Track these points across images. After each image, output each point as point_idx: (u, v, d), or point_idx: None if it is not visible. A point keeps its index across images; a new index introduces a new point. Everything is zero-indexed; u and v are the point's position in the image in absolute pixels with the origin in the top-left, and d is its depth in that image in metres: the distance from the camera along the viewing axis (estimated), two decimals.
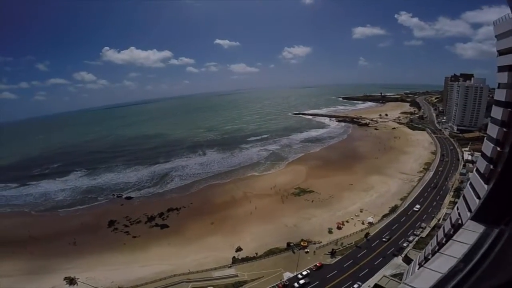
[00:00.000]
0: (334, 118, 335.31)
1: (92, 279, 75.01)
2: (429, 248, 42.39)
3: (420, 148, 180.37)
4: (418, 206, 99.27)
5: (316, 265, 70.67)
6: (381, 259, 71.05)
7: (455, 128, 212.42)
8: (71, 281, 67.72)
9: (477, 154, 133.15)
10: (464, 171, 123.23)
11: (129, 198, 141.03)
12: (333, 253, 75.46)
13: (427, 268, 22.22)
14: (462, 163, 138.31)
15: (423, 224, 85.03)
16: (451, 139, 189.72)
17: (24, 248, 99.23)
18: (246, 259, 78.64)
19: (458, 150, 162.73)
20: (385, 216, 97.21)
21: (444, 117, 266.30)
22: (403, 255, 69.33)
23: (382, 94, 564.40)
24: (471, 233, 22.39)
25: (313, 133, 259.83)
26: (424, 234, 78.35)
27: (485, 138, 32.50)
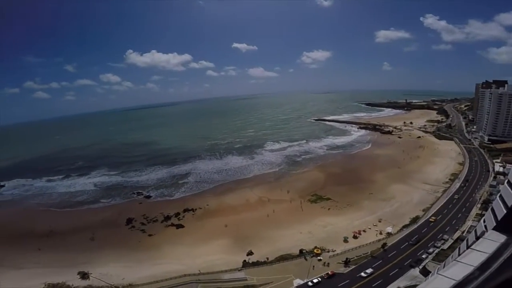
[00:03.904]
0: (355, 125, 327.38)
1: (105, 275, 76.57)
2: (449, 260, 39.66)
3: (446, 158, 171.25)
4: (369, 270, 68.25)
5: (328, 273, 68.05)
6: (397, 270, 67.37)
7: (486, 138, 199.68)
8: (84, 275, 69.37)
9: (509, 166, 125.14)
10: (494, 183, 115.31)
11: (148, 197, 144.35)
12: (347, 262, 72.61)
13: (441, 275, 20.86)
14: (493, 174, 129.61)
15: (446, 236, 79.92)
16: (481, 150, 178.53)
17: (44, 241, 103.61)
18: (257, 263, 77.38)
19: (489, 161, 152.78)
20: (405, 226, 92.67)
21: (474, 126, 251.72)
22: (420, 267, 65.41)
23: (407, 101, 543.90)
24: (491, 242, 20.63)
25: (333, 140, 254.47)
26: (445, 246, 73.54)
27: None
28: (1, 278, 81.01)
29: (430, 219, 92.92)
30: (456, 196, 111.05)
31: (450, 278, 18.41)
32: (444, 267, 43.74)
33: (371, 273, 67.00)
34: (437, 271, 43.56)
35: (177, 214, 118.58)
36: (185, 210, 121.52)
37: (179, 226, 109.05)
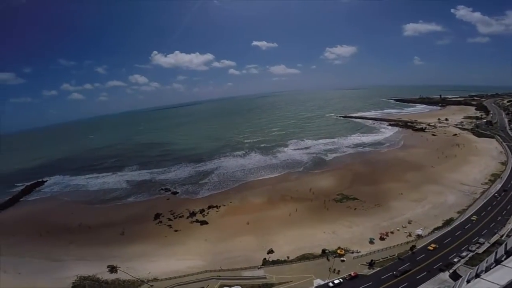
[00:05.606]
0: (385, 122, 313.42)
1: (132, 269, 79.64)
2: (483, 265, 36.56)
3: (487, 157, 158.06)
4: None
5: (350, 274, 65.51)
6: (424, 273, 63.16)
7: None
8: (112, 269, 72.58)
9: None
10: None
11: (175, 193, 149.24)
12: (371, 264, 69.46)
13: (484, 279, 19.08)
14: None
15: (482, 240, 73.59)
16: None
17: (81, 235, 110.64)
18: (277, 262, 76.62)
19: None
20: (437, 229, 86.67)
21: None
22: (451, 271, 60.87)
23: (442, 96, 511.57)
24: None
25: (361, 137, 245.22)
26: (480, 250, 67.69)
27: None
28: (37, 269, 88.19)
29: (429, 247, 75.15)
30: (474, 218, 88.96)
31: (494, 283, 16.72)
32: (477, 272, 40.56)
33: None
34: (468, 277, 40.44)
35: (201, 211, 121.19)
36: (210, 207, 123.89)
37: (203, 222, 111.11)
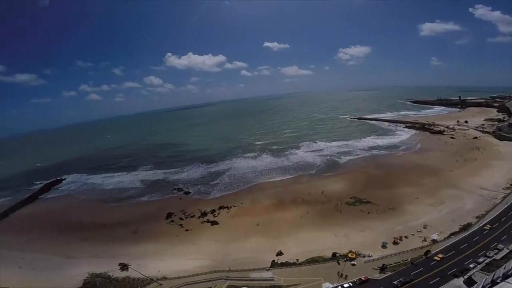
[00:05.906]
0: (401, 124, 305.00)
1: (143, 267, 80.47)
2: (500, 271, 34.84)
3: (509, 161, 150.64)
4: None
5: (360, 278, 63.87)
6: (438, 279, 60.72)
7: None
8: (123, 266, 74.24)
9: None
10: None
11: (187, 193, 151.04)
12: (383, 269, 67.49)
13: (509, 283, 18.18)
14: None
15: (500, 246, 70.07)
16: None
17: (96, 233, 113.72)
18: (285, 264, 76.03)
19: None
20: (453, 234, 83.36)
21: None
22: (465, 277, 58.44)
23: (461, 98, 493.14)
24: None
25: (376, 140, 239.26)
26: (498, 257, 64.48)
27: None
28: (51, 265, 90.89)
29: (436, 258, 69.36)
30: (487, 227, 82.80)
31: None
32: (493, 278, 38.79)
33: None
34: (483, 283, 38.57)
35: (212, 211, 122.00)
36: (220, 208, 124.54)
37: (214, 222, 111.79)
